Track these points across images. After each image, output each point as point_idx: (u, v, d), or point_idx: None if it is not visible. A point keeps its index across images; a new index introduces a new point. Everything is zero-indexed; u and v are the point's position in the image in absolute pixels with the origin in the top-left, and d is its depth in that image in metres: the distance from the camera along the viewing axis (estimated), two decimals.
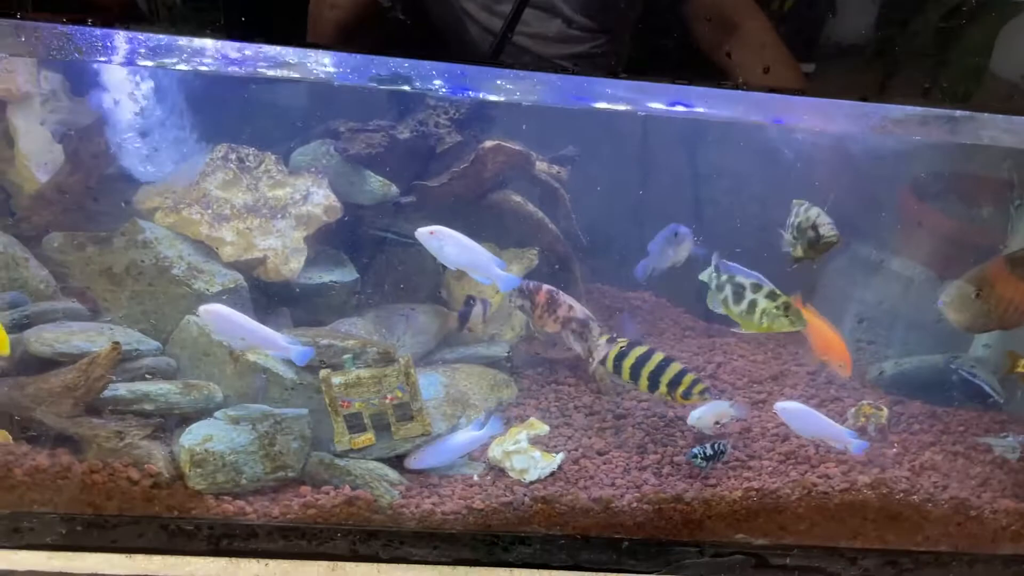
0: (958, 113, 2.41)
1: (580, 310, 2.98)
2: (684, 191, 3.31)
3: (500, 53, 2.06)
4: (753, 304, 2.64)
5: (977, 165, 3.37)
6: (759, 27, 2.10)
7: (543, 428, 2.74)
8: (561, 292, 2.98)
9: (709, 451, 2.67)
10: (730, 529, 2.64)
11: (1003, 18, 2.21)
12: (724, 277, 2.70)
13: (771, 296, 2.62)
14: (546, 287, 2.96)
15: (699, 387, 2.76)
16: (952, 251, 3.44)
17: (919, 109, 2.42)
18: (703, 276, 2.78)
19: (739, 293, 2.66)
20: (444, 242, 2.59)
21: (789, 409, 2.69)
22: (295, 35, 1.96)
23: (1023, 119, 2.47)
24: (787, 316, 2.60)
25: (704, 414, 2.72)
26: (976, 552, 2.70)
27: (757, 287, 2.64)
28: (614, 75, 2.08)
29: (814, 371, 3.25)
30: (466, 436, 2.67)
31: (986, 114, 2.42)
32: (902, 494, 2.67)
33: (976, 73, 2.26)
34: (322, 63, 2.30)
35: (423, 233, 2.58)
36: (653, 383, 2.79)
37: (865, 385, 3.25)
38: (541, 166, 3.04)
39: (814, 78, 2.19)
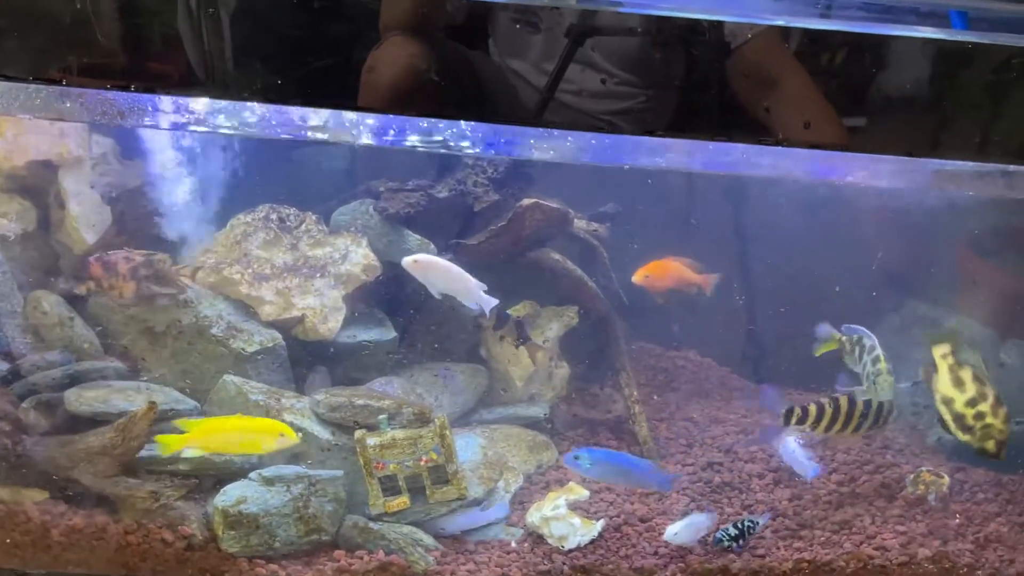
0: (1012, 168, 2.33)
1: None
2: (726, 249, 3.25)
3: (545, 110, 2.06)
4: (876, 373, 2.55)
5: None
6: (799, 83, 2.07)
7: (583, 493, 2.65)
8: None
9: (733, 531, 2.54)
10: None
11: None
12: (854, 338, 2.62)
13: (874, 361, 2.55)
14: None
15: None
16: (1012, 308, 3.31)
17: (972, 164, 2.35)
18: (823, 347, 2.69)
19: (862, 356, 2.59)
20: (428, 270, 2.61)
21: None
22: (345, 98, 1.98)
23: None
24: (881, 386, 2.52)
25: (682, 530, 2.52)
26: None
27: (872, 348, 2.57)
28: (651, 133, 2.05)
29: (868, 434, 3.11)
30: (466, 517, 2.62)
31: None
32: (966, 569, 2.51)
33: None
34: (363, 125, 2.32)
35: (407, 262, 2.62)
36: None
37: (924, 451, 3.09)
38: (580, 224, 3.01)
39: (859, 133, 2.14)
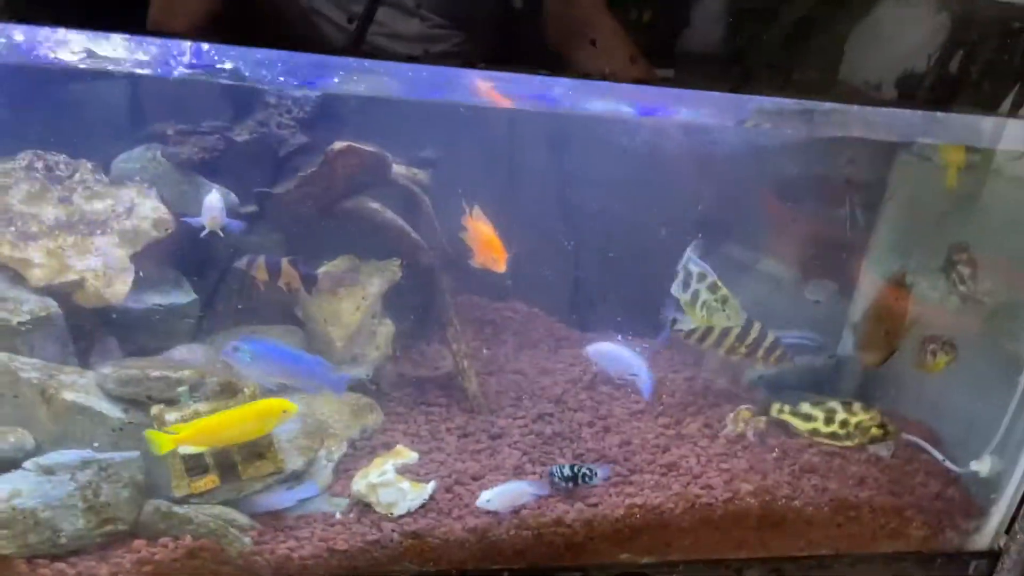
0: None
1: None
2: (550, 191, 3.17)
3: (359, 48, 1.88)
4: (696, 295, 2.58)
5: (835, 163, 3.40)
6: (613, 17, 2.05)
7: (411, 456, 2.52)
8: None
9: (568, 472, 2.51)
10: (615, 549, 2.51)
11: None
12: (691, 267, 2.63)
13: (712, 289, 2.57)
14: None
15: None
16: (815, 251, 3.47)
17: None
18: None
19: (687, 283, 2.60)
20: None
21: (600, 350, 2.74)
22: (131, 21, 1.67)
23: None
24: (724, 311, 2.57)
25: (497, 496, 2.45)
26: (857, 552, 2.67)
27: (703, 277, 2.58)
28: (472, 65, 1.92)
29: (691, 376, 3.17)
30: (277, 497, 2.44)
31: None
32: (784, 499, 2.61)
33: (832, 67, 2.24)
34: (140, 53, 2.01)
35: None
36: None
37: (743, 390, 3.19)
38: (399, 169, 2.81)
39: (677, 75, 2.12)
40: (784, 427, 2.83)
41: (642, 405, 2.95)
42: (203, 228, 2.48)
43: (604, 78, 2.09)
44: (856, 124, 2.62)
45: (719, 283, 2.58)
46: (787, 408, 2.78)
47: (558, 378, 3.08)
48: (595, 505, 2.50)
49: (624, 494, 2.55)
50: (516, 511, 2.45)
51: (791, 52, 2.22)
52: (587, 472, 2.52)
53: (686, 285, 2.61)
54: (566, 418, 2.87)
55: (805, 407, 2.75)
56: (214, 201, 2.47)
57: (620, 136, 3.01)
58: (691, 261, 2.60)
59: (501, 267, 2.62)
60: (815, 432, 2.72)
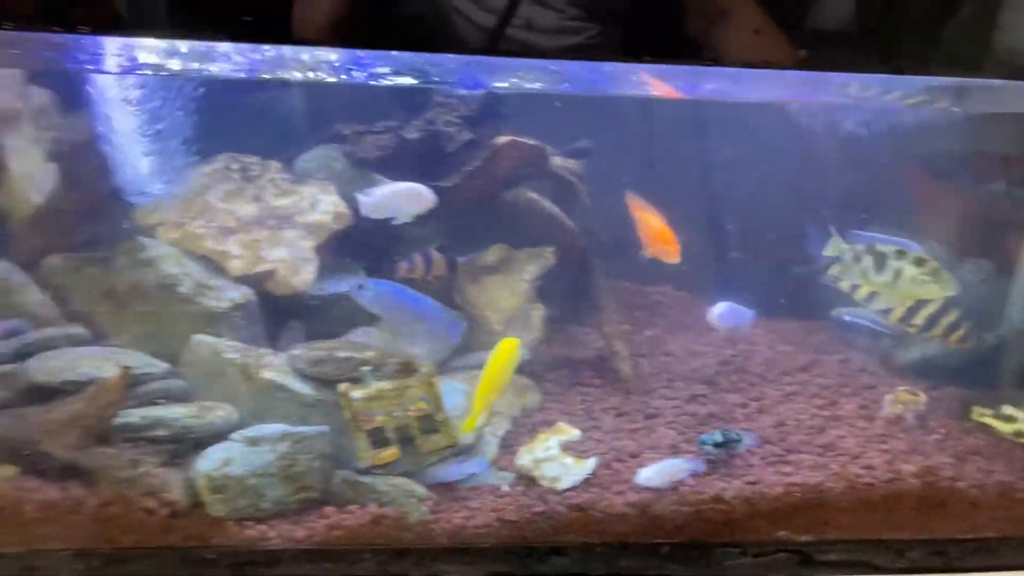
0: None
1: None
2: (698, 176, 3.21)
3: (497, 45, 2.00)
4: (899, 272, 2.51)
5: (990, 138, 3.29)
6: (750, 10, 2.07)
7: (574, 433, 2.64)
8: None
9: (719, 438, 2.59)
10: (772, 527, 2.55)
11: None
12: (860, 247, 2.55)
13: (918, 262, 2.49)
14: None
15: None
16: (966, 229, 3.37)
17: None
18: (830, 250, 2.62)
19: (880, 262, 2.53)
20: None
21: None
22: (281, 32, 1.86)
23: None
24: (937, 282, 2.50)
25: (656, 474, 2.52)
26: None
27: (901, 253, 2.51)
28: (609, 60, 2.01)
29: (844, 359, 3.16)
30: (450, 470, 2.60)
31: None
32: (948, 480, 2.59)
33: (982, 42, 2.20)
34: (321, 63, 2.20)
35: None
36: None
37: (897, 372, 3.15)
38: (556, 160, 2.94)
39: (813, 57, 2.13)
40: (985, 430, 2.78)
41: (795, 388, 2.97)
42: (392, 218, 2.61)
43: (765, 66, 2.12)
44: (1015, 99, 2.55)
45: (924, 255, 2.49)
46: (988, 411, 2.72)
47: (708, 360, 3.14)
48: (753, 483, 2.55)
49: (781, 473, 2.59)
50: (675, 488, 2.54)
51: (951, 27, 2.20)
52: (735, 436, 2.58)
53: (879, 267, 2.53)
54: (719, 399, 2.93)
55: (1008, 409, 2.68)
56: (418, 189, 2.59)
57: (768, 120, 3.03)
58: (880, 241, 2.53)
59: (675, 258, 2.65)
60: (1019, 434, 2.64)
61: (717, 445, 2.59)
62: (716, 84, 2.36)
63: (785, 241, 2.93)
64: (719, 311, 2.81)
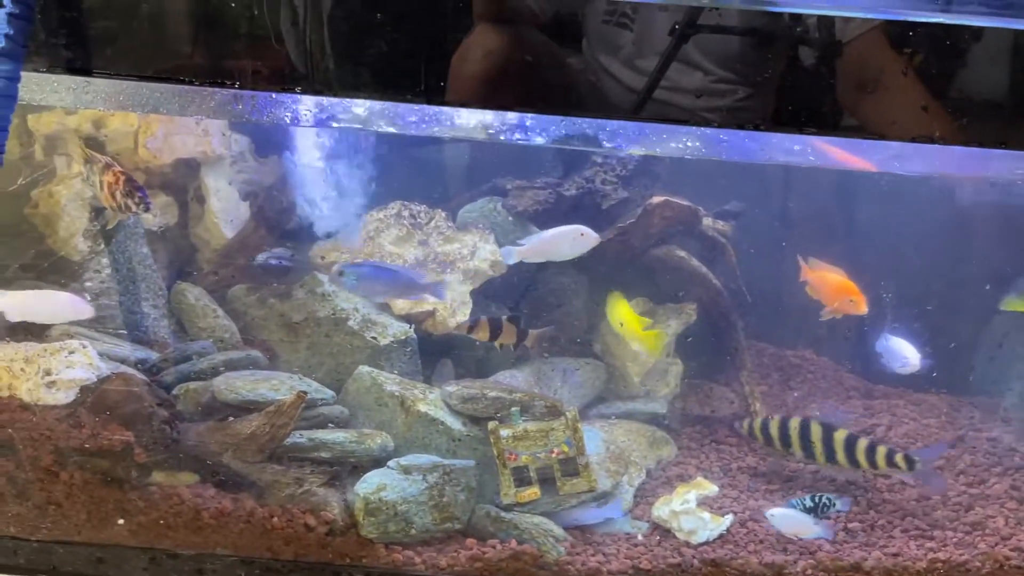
0: None
1: None
2: (850, 247, 3.22)
3: (642, 107, 2.07)
4: None
5: None
6: (906, 81, 2.06)
7: (712, 488, 2.67)
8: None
9: (808, 503, 2.59)
10: None
11: None
12: None
13: None
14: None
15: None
16: None
17: None
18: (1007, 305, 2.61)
19: None
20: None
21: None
22: (438, 94, 2.01)
23: None
24: None
25: (783, 517, 2.54)
26: None
27: None
28: (756, 128, 2.05)
29: (994, 436, 3.07)
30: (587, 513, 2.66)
31: None
32: None
33: None
34: (488, 122, 2.36)
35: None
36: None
37: None
38: (707, 221, 3.03)
39: (972, 127, 2.12)
40: None
41: (941, 462, 2.90)
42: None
43: (931, 141, 2.13)
44: None
45: None
46: None
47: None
48: (895, 555, 2.52)
49: (926, 548, 2.54)
50: (812, 552, 2.53)
51: None
52: (827, 501, 2.56)
53: None
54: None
55: None
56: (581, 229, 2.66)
57: (920, 190, 3.01)
58: None
59: (862, 308, 2.62)
60: None
61: (807, 510, 2.59)
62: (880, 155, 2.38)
63: (940, 312, 2.90)
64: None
